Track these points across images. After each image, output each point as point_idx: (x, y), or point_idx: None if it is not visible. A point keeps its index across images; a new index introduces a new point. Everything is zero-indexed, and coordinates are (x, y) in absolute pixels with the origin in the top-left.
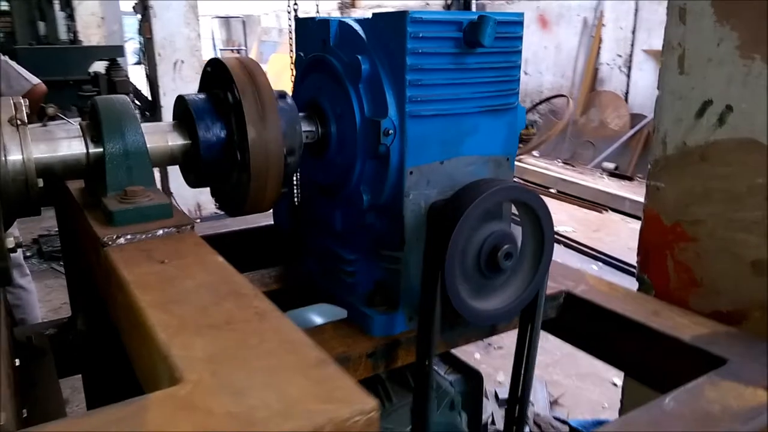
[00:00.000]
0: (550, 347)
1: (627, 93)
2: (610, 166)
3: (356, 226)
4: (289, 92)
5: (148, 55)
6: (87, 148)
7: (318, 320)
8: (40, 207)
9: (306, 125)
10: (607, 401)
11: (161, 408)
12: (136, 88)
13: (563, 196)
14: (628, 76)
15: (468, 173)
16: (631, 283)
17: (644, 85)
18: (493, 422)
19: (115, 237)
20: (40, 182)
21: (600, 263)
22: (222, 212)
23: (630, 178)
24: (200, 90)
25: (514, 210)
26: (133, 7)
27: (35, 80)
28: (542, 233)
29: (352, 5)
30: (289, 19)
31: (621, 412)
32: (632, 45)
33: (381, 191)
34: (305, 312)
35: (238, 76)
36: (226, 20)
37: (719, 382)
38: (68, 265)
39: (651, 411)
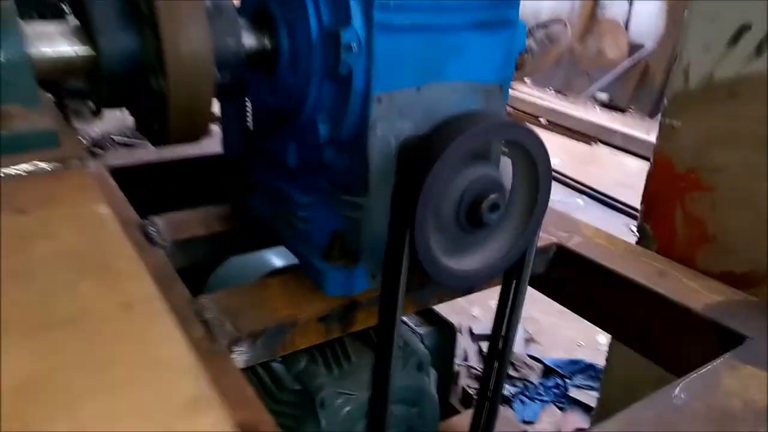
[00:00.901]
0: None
1: (628, 21)
2: (604, 96)
3: (312, 163)
4: None
5: None
6: None
7: (278, 262)
8: None
9: (250, 36)
10: (583, 339)
11: None
12: None
13: (552, 126)
14: (630, 2)
15: (451, 103)
16: (619, 221)
17: (647, 11)
18: (465, 359)
19: None
20: None
21: (585, 197)
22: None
23: (623, 110)
24: None
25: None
26: None
27: None
28: (537, 181)
29: None
30: None
31: (607, 370)
32: None
33: (341, 122)
34: (264, 253)
35: None
36: None
37: (739, 367)
38: None
39: (658, 405)
